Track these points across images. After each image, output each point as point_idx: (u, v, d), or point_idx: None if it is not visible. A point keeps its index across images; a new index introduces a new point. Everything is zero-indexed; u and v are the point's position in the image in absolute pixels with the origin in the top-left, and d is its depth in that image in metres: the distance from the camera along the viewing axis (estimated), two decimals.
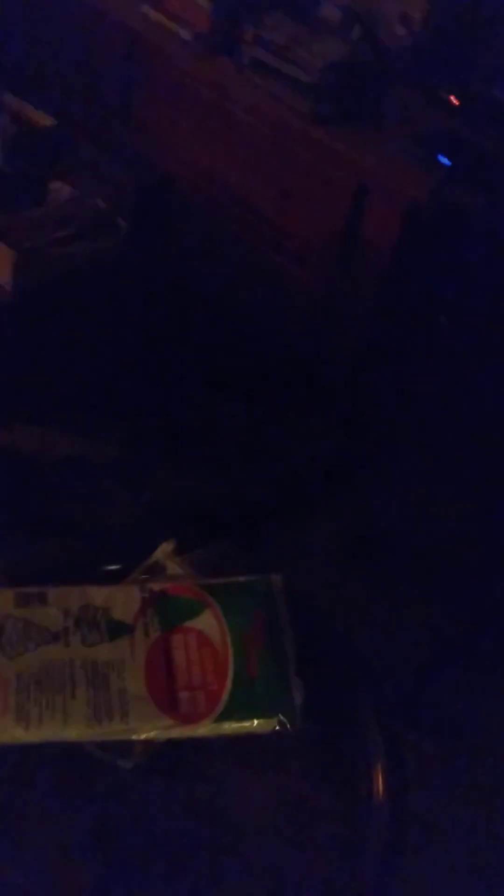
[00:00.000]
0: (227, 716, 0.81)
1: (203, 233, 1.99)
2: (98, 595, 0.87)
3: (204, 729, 0.80)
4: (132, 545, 0.98)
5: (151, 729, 0.79)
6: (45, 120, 1.95)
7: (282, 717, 0.82)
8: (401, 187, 1.74)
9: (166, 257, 1.88)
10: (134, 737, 0.78)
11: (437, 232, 1.76)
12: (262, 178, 1.91)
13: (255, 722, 0.81)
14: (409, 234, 1.78)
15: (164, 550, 0.93)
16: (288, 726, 0.81)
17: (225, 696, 0.82)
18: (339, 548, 0.95)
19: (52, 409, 1.85)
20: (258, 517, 1.45)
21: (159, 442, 1.87)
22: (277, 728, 0.81)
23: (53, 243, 1.65)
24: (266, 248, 1.98)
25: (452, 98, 1.80)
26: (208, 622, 0.87)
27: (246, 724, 0.81)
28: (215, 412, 1.94)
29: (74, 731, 0.77)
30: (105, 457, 1.86)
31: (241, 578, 0.91)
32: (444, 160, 1.70)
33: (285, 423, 1.92)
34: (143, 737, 0.79)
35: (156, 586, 0.89)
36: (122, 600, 0.87)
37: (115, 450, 1.88)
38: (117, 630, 0.85)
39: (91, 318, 1.76)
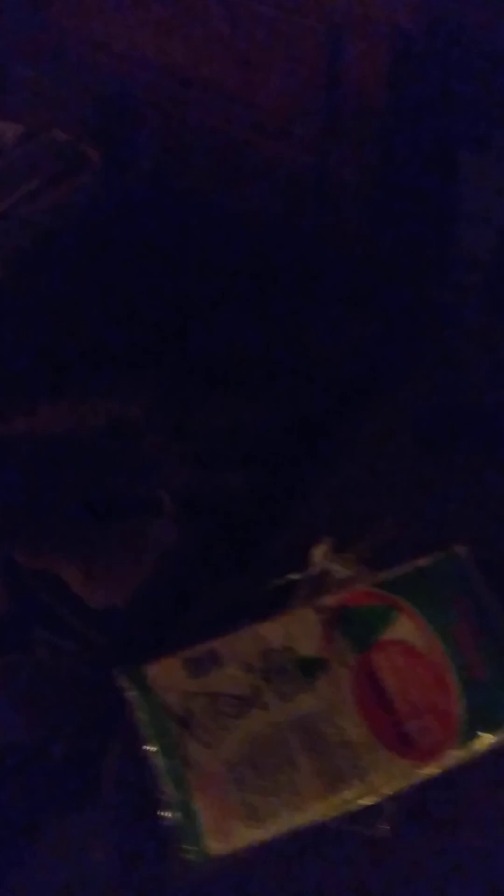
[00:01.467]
0: (470, 734, 0.69)
1: (172, 138, 1.73)
2: (272, 633, 0.73)
3: (452, 758, 0.68)
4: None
5: (395, 780, 0.67)
6: None
7: None
8: (382, 15, 1.47)
9: (147, 179, 1.63)
10: (378, 797, 0.66)
11: (437, 59, 1.51)
12: (218, 56, 1.63)
13: None
14: (402, 70, 1.53)
15: (322, 552, 0.78)
16: None
17: (460, 712, 0.69)
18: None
19: (69, 380, 1.66)
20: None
21: (193, 380, 1.69)
22: None
23: (25, 200, 1.42)
24: (245, 134, 1.72)
25: None
26: (407, 628, 0.73)
27: (496, 735, 0.69)
28: (236, 332, 1.75)
29: (314, 812, 0.65)
30: (142, 411, 1.69)
31: (423, 562, 0.77)
32: None
33: (313, 327, 1.72)
34: (389, 792, 0.66)
35: (330, 601, 0.75)
36: (302, 631, 0.73)
37: (148, 401, 1.70)
38: (311, 669, 0.71)
39: (81, 271, 1.55)
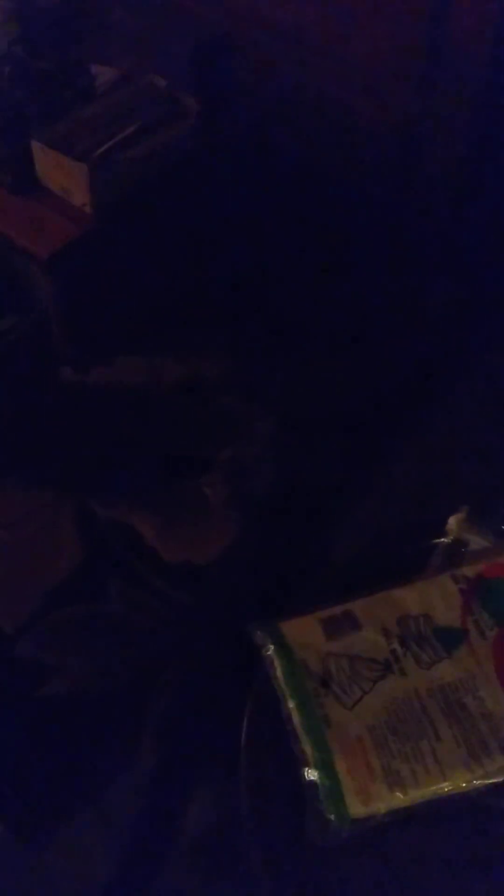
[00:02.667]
0: None
1: (267, 90, 1.69)
2: (409, 599, 0.72)
3: None
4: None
5: None
6: None
7: None
8: None
9: (243, 131, 1.60)
10: None
11: None
12: (316, 10, 1.58)
13: None
14: None
15: (458, 522, 0.76)
16: None
17: None
18: None
19: (152, 332, 1.64)
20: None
21: (272, 342, 1.66)
22: None
23: (124, 144, 1.39)
24: (336, 90, 1.67)
25: None
26: None
27: None
28: (321, 297, 1.72)
29: (455, 782, 0.64)
30: (220, 371, 1.67)
31: None
32: None
33: (397, 293, 1.68)
34: None
35: (469, 571, 0.73)
36: (440, 599, 0.72)
37: (228, 362, 1.68)
38: (450, 639, 0.70)
39: (177, 223, 1.52)
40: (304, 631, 0.69)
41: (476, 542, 0.75)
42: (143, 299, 1.55)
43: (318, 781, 0.63)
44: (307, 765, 0.64)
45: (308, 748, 0.64)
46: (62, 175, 1.36)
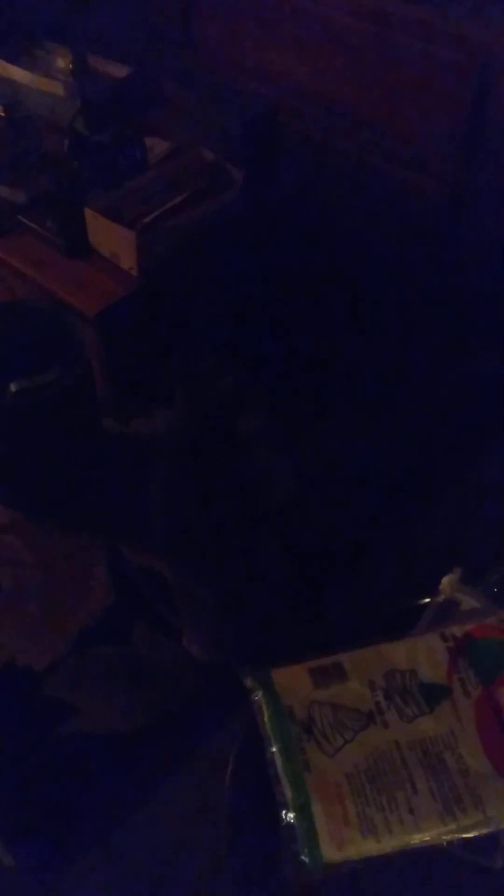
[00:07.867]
0: None
1: (313, 162, 1.77)
2: (397, 655, 0.75)
3: None
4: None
5: None
6: (119, 70, 1.75)
7: None
8: None
9: (287, 201, 1.68)
10: (495, 829, 0.66)
11: None
12: (365, 85, 1.66)
13: None
14: None
15: (450, 582, 0.79)
16: None
17: None
18: None
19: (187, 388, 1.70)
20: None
21: (310, 403, 1.71)
22: None
23: (170, 213, 1.48)
24: (385, 164, 1.74)
25: None
26: None
27: None
28: (362, 357, 1.76)
29: (429, 834, 0.66)
30: (253, 425, 1.72)
31: None
32: None
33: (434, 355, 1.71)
34: None
35: (458, 630, 0.76)
36: (427, 656, 0.75)
37: (263, 417, 1.73)
38: (434, 695, 0.72)
39: (218, 286, 1.60)
40: (292, 678, 0.73)
41: (467, 602, 0.78)
42: (183, 356, 1.62)
43: (295, 824, 0.66)
44: (284, 807, 0.67)
45: (287, 791, 0.67)
46: (112, 241, 1.45)
